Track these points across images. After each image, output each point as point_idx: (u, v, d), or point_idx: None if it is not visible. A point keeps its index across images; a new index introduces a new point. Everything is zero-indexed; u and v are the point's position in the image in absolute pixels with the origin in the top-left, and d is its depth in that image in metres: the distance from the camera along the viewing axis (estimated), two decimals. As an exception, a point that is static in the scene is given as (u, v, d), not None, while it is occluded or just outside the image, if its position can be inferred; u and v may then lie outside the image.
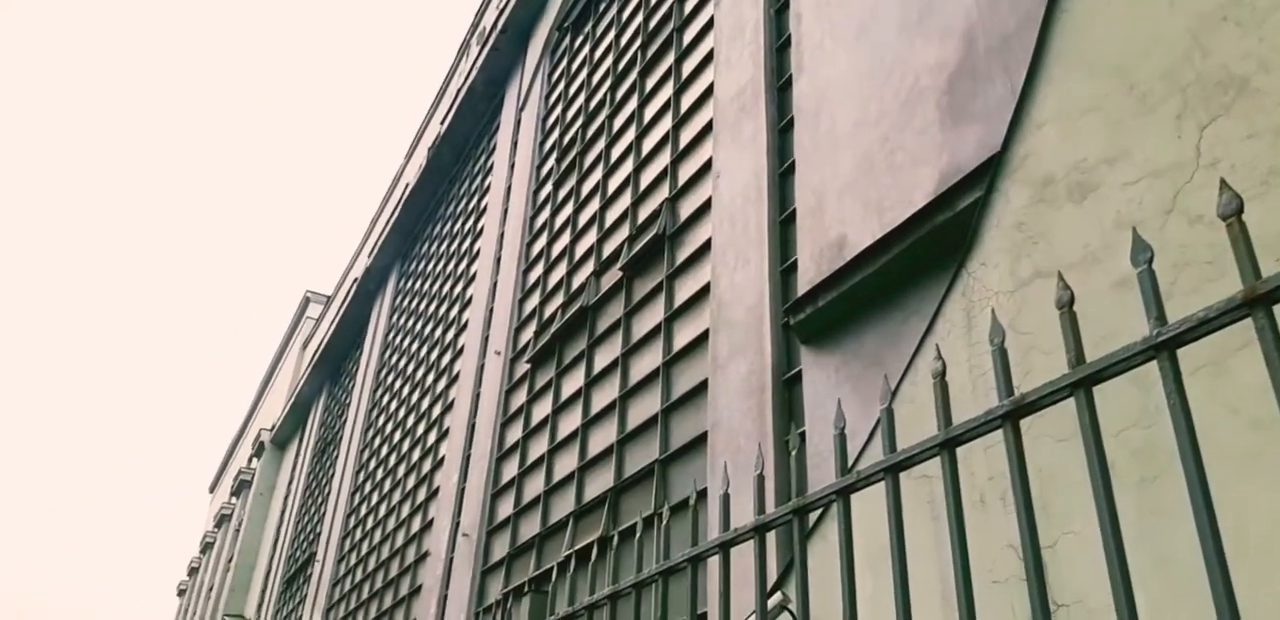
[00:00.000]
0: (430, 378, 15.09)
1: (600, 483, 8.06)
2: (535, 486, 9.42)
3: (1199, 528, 1.45)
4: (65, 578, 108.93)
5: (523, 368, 10.73)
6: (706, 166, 7.95)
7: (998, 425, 1.80)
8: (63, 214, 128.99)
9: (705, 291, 7.28)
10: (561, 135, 12.21)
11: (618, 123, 10.53)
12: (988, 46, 4.58)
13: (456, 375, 13.37)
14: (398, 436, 15.86)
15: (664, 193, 8.69)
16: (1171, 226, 3.14)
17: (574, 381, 9.30)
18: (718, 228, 7.20)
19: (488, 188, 14.97)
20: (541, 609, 3.23)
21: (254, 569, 25.83)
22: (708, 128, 8.16)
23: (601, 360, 8.89)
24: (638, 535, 2.82)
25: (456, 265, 15.76)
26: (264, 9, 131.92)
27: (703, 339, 7.09)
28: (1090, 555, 2.77)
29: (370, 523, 15.74)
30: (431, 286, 17.10)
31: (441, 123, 17.72)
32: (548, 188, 12.04)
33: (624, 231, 9.29)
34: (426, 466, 13.65)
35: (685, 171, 8.46)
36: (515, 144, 13.93)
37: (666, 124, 9.13)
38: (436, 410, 14.08)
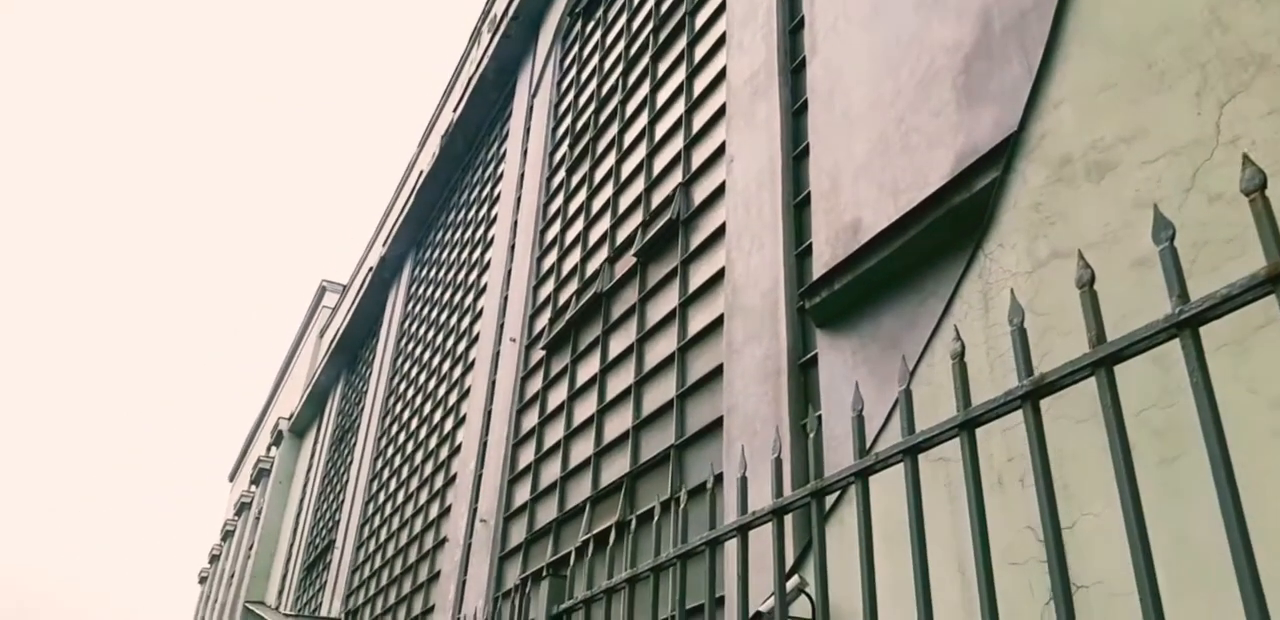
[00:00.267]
0: (446, 365, 15.14)
1: (617, 468, 8.08)
2: (552, 472, 9.45)
3: (1222, 507, 1.43)
4: (91, 565, 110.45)
5: (538, 354, 10.75)
6: (720, 150, 7.92)
7: (1017, 405, 1.78)
8: (96, 205, 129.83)
9: (720, 276, 7.25)
10: (574, 121, 12.16)
11: (630, 108, 10.49)
12: (1004, 25, 4.53)
13: (472, 362, 13.41)
14: (415, 424, 15.93)
15: (677, 177, 8.65)
16: (1191, 204, 3.10)
17: (589, 368, 9.31)
18: (732, 212, 7.17)
19: (501, 175, 14.95)
20: (560, 593, 3.23)
21: (274, 556, 26.05)
22: (721, 112, 8.11)
23: (616, 346, 8.89)
24: (655, 520, 2.82)
25: (471, 253, 15.78)
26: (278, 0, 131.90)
27: (717, 324, 7.08)
28: (1110, 536, 2.76)
29: (389, 509, 15.83)
30: (446, 274, 17.12)
31: (454, 110, 17.70)
32: (561, 174, 12.02)
33: (638, 217, 9.27)
34: (444, 453, 13.71)
35: (699, 156, 8.42)
36: (528, 131, 13.90)
37: (679, 108, 9.08)
38: (453, 397, 14.13)
